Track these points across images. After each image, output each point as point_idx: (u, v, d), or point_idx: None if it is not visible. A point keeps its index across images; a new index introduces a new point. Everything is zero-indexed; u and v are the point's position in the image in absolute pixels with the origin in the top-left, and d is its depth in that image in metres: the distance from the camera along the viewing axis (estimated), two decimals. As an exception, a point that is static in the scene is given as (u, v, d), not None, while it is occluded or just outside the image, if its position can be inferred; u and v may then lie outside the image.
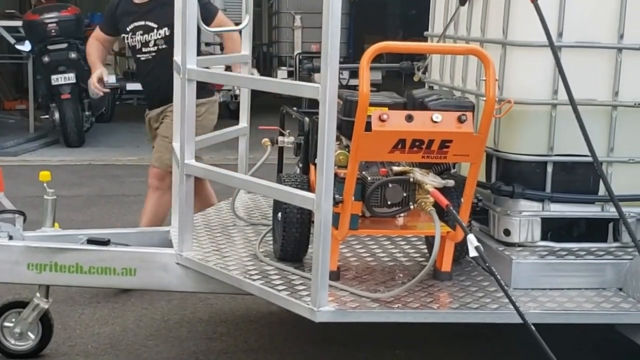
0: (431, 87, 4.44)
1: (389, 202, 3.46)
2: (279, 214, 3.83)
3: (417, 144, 3.26)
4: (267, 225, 4.32)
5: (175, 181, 4.22)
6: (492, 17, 3.87)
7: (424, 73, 4.65)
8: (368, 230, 3.68)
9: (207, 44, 12.66)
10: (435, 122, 3.25)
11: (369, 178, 3.47)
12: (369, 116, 3.24)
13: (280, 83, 3.59)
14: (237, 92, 11.68)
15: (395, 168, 3.52)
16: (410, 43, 3.36)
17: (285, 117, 4.80)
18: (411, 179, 3.45)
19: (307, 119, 4.24)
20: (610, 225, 3.89)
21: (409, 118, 3.25)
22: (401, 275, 3.70)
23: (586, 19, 3.65)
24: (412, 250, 4.05)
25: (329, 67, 3.07)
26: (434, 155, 3.31)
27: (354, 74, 12.85)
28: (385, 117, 3.22)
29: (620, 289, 3.61)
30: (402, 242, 4.14)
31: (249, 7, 4.38)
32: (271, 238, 4.01)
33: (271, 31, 15.33)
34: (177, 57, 4.16)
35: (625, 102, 3.69)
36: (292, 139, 4.54)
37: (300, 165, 4.39)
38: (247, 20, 4.37)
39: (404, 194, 3.46)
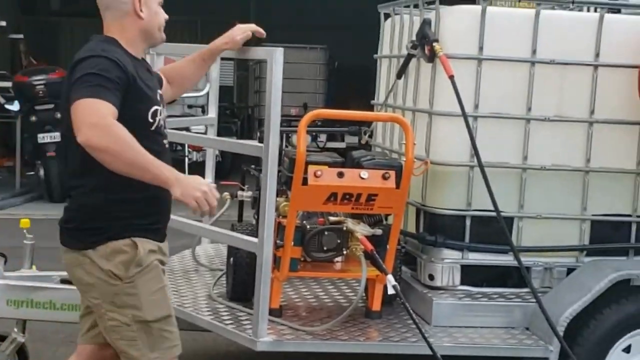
0: (370, 149, 4.99)
1: (325, 248, 3.99)
2: (231, 259, 4.34)
3: (347, 197, 3.81)
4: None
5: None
6: (422, 89, 4.43)
7: (370, 137, 5.21)
8: (307, 273, 4.20)
9: (190, 107, 13.23)
10: (363, 178, 3.80)
11: (308, 226, 4.00)
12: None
13: (228, 142, 4.14)
14: (216, 151, 12.26)
15: (332, 218, 4.05)
16: (342, 111, 3.93)
17: (245, 174, 5.34)
18: (344, 228, 3.98)
19: (261, 175, 4.78)
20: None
21: (340, 175, 3.80)
22: (337, 313, 4.18)
23: (499, 93, 4.22)
24: (351, 293, 4.55)
25: (271, 129, 3.62)
26: (362, 207, 3.85)
27: (331, 137, 13.53)
28: (319, 173, 3.77)
29: (527, 328, 4.12)
30: (343, 285, 4.65)
31: (211, 75, 4.93)
32: (225, 281, 4.51)
33: (254, 95, 15.97)
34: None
35: (533, 165, 4.24)
36: (250, 193, 5.07)
37: (256, 217, 4.91)
38: (207, 87, 4.93)
39: (338, 241, 3.99)
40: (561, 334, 3.86)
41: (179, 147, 12.59)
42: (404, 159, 4.02)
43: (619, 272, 3.98)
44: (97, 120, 2.84)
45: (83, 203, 3.11)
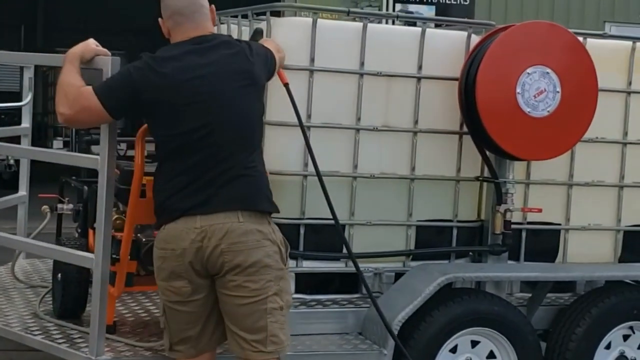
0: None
1: (160, 261, 3.90)
2: (59, 275, 4.16)
3: (186, 207, 3.74)
4: (46, 287, 4.63)
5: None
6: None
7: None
8: (142, 287, 4.09)
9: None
10: (201, 189, 3.75)
11: (143, 239, 3.90)
12: (144, 184, 3.70)
13: (62, 154, 3.97)
14: (11, 161, 11.67)
15: (167, 230, 3.97)
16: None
17: (64, 186, 5.13)
18: (180, 240, 3.92)
19: (85, 187, 4.62)
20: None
21: (179, 186, 3.73)
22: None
23: (330, 103, 4.30)
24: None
25: (107, 140, 3.50)
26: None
27: (131, 145, 13.23)
28: (158, 185, 3.68)
29: (360, 333, 4.22)
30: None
31: (32, 86, 4.70)
32: (51, 298, 4.31)
33: (47, 102, 15.33)
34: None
35: (363, 174, 4.36)
36: (71, 206, 4.89)
37: (79, 230, 4.74)
38: (29, 97, 4.70)
39: (175, 253, 3.92)
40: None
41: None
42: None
43: (446, 275, 4.16)
44: None
45: (260, 174, 3.43)
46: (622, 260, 4.81)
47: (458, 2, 12.32)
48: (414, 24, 4.68)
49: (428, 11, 11.96)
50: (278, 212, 3.48)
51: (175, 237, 3.26)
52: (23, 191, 5.23)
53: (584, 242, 4.76)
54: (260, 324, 3.27)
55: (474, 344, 4.25)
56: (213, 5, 3.47)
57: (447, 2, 12.22)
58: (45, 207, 4.87)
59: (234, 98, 3.32)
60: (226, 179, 3.27)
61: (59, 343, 3.78)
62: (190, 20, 3.36)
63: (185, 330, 3.36)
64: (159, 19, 3.43)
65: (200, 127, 3.25)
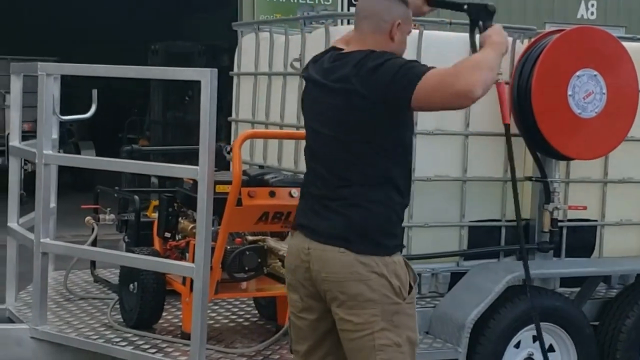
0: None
1: (246, 268, 3.93)
2: (131, 285, 4.13)
3: (278, 216, 3.80)
4: (97, 299, 4.61)
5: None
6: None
7: (228, 153, 5.16)
8: (227, 294, 4.11)
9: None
10: (293, 196, 3.80)
11: (228, 247, 3.92)
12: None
13: (159, 166, 3.91)
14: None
15: (249, 237, 4.00)
16: (273, 131, 3.90)
17: (99, 196, 5.08)
18: (265, 247, 3.95)
19: (136, 197, 4.61)
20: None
21: (272, 194, 3.78)
22: (248, 332, 4.14)
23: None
24: (235, 309, 4.54)
25: (207, 150, 3.51)
26: (290, 225, 3.84)
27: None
28: (253, 193, 3.72)
29: (427, 332, 4.33)
30: (229, 306, 4.59)
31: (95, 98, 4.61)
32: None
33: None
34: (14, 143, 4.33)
35: (420, 177, 4.45)
36: (112, 216, 4.87)
37: (127, 239, 4.71)
38: (93, 109, 4.63)
39: (259, 260, 3.95)
40: (468, 335, 4.12)
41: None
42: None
43: (513, 273, 4.31)
44: (453, 73, 2.90)
45: (374, 212, 3.02)
46: (649, 253, 5.07)
47: (407, 4, 12.49)
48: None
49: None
50: (386, 255, 3.05)
51: (291, 252, 3.17)
52: (52, 203, 5.13)
53: (617, 237, 4.99)
54: (366, 357, 3.01)
55: (535, 338, 4.41)
56: (400, 21, 3.10)
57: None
58: (89, 219, 4.83)
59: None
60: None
61: (152, 353, 3.76)
62: (360, 23, 3.13)
63: (295, 342, 3.26)
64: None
65: None
